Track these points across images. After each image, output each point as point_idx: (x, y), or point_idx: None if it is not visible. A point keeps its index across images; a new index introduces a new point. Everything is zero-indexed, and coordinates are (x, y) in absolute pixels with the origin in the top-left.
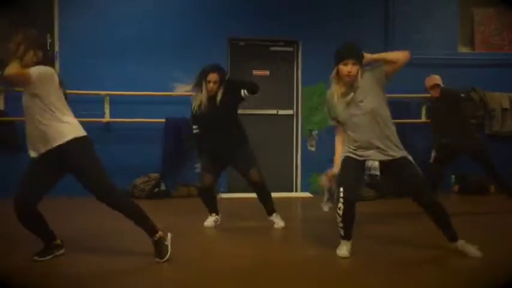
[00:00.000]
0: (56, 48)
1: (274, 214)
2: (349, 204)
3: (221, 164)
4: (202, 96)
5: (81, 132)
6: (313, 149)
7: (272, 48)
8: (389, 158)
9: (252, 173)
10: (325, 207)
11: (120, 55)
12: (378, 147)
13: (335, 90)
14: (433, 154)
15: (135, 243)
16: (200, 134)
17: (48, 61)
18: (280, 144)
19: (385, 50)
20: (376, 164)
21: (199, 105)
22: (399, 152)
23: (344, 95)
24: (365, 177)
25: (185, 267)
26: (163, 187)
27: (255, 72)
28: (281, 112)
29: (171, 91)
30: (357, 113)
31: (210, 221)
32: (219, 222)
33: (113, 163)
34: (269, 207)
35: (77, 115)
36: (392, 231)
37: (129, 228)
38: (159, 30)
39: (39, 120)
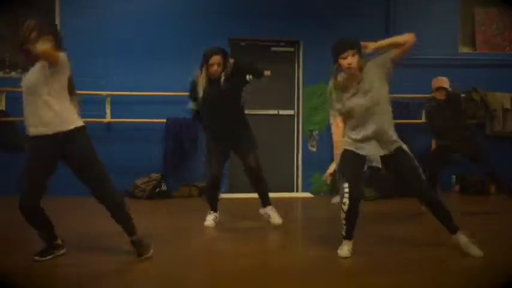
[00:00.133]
0: None
1: (270, 207)
2: (354, 200)
3: (225, 151)
4: (203, 79)
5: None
6: (314, 149)
7: (273, 49)
8: (387, 151)
9: (251, 157)
10: (334, 200)
11: (121, 55)
12: (379, 138)
13: (339, 81)
14: (433, 143)
15: None
16: (200, 116)
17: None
18: (281, 145)
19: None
20: (378, 155)
21: (203, 90)
22: (396, 143)
23: (349, 86)
24: (365, 169)
25: (186, 267)
26: (164, 187)
27: None
28: (282, 112)
29: (175, 91)
30: (363, 103)
31: (210, 219)
32: (217, 220)
33: (114, 163)
34: (264, 197)
35: None
36: (393, 231)
37: None
38: (160, 30)
39: (47, 101)
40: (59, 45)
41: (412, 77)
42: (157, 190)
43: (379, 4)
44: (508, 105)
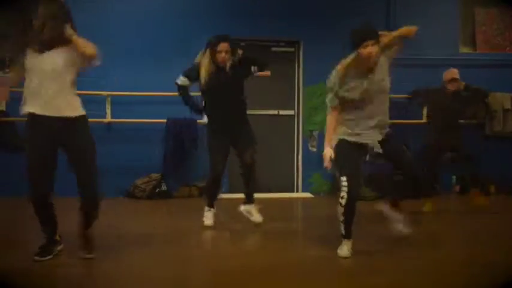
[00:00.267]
0: None
1: (253, 205)
2: (352, 194)
3: (226, 146)
4: (209, 64)
5: None
6: (314, 149)
7: (273, 49)
8: (383, 135)
9: (248, 153)
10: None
11: (121, 55)
12: (379, 125)
13: (349, 68)
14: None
15: (134, 244)
16: (189, 95)
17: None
18: (281, 145)
19: None
20: (377, 141)
21: (209, 76)
22: (388, 127)
23: (360, 73)
24: (368, 157)
25: (185, 267)
26: (164, 187)
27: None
28: (282, 112)
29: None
30: (374, 91)
31: (210, 217)
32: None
33: (114, 163)
34: (250, 195)
35: None
36: (393, 231)
37: (127, 228)
38: (160, 30)
39: (65, 88)
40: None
41: (412, 77)
42: (157, 190)
43: (379, 4)
44: (508, 106)
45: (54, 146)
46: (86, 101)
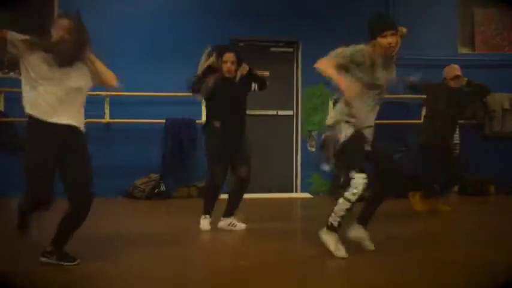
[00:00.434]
0: None
1: (232, 217)
2: (362, 192)
3: (227, 156)
4: (218, 75)
5: None
6: (313, 149)
7: (272, 49)
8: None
9: (245, 168)
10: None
11: (120, 56)
12: (373, 120)
13: (374, 55)
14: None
15: (134, 244)
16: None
17: None
18: (280, 145)
19: None
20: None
21: (215, 84)
22: None
23: (375, 63)
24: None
25: (185, 267)
26: (163, 188)
27: None
28: (281, 113)
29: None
30: (383, 81)
31: (207, 224)
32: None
33: (113, 164)
34: (234, 207)
35: None
36: (392, 231)
37: (127, 229)
38: (160, 30)
39: (81, 103)
40: None
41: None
42: (156, 190)
43: (379, 5)
44: (507, 106)
45: (59, 152)
46: (85, 101)
